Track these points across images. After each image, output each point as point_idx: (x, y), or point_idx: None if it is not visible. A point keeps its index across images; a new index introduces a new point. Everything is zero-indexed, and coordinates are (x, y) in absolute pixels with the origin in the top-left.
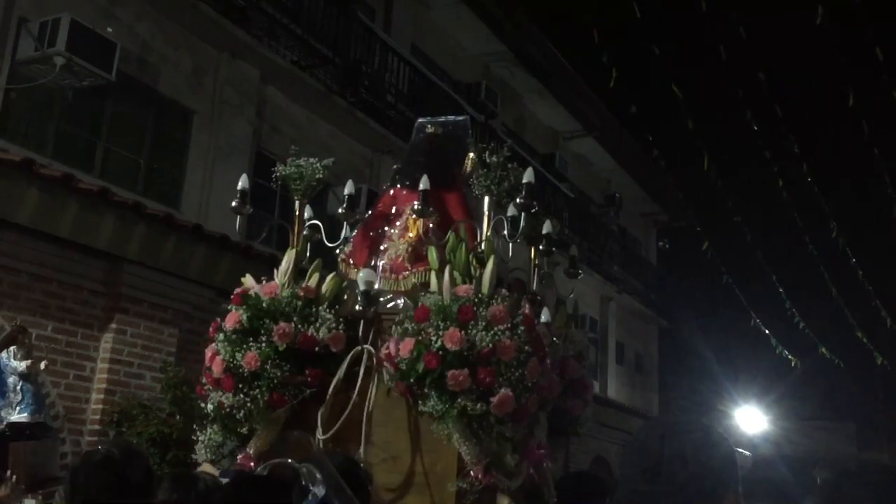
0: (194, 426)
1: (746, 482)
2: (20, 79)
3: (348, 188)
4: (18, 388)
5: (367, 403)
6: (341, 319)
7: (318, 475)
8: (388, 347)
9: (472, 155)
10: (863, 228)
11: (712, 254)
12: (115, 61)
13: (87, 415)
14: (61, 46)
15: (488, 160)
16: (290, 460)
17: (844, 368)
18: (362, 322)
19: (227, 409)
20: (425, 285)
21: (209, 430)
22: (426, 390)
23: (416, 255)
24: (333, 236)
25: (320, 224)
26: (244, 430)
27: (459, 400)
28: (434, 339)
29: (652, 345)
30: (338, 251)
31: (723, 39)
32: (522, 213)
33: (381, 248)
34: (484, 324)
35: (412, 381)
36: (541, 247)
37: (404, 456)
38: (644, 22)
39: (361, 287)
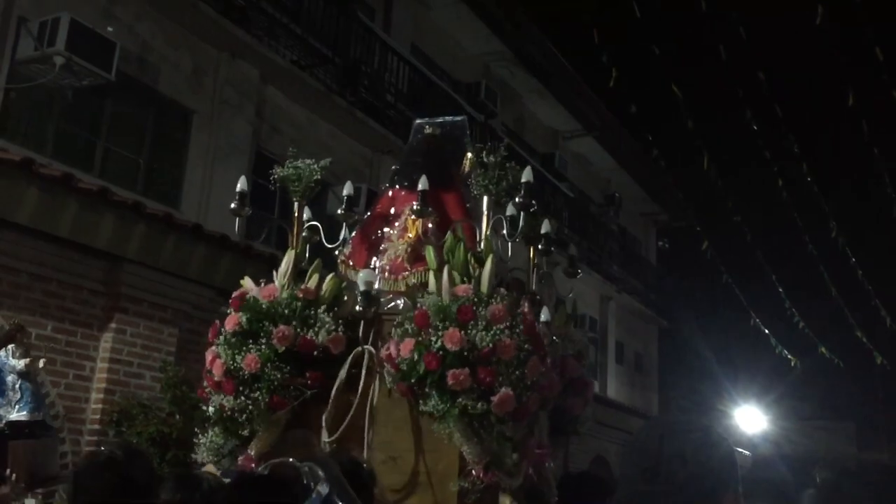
0: (195, 427)
1: (746, 482)
2: (20, 78)
3: (347, 189)
4: (17, 386)
5: (368, 404)
6: (341, 321)
7: (321, 473)
8: (388, 348)
9: (470, 155)
10: (863, 228)
11: (712, 253)
12: (114, 61)
13: (87, 414)
14: (61, 46)
15: (486, 160)
16: (291, 459)
17: (844, 368)
18: (362, 323)
19: (229, 412)
20: (424, 285)
21: (210, 433)
22: (427, 390)
23: (416, 255)
24: (333, 236)
25: (319, 225)
26: (245, 433)
27: (460, 399)
28: (434, 339)
29: (651, 344)
30: (337, 252)
31: (723, 39)
32: (521, 213)
33: (381, 248)
34: (484, 323)
35: (413, 381)
36: (539, 246)
37: (406, 456)
38: (644, 22)
39: (362, 288)
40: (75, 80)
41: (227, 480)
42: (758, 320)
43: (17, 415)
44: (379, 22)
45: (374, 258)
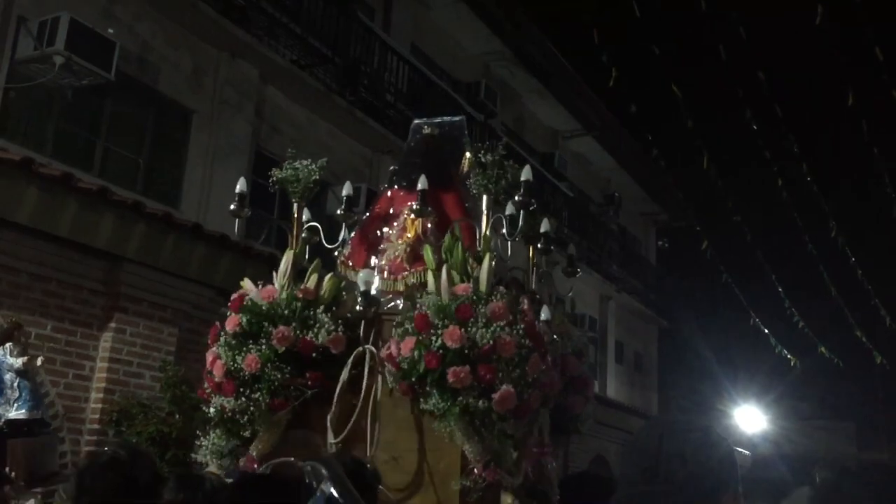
0: (195, 427)
1: (745, 482)
2: (19, 78)
3: (346, 189)
4: (15, 384)
5: (369, 404)
6: (340, 321)
7: (324, 472)
8: (388, 348)
9: (468, 154)
10: (862, 228)
11: (712, 253)
12: (114, 60)
13: (87, 414)
14: (60, 45)
15: (484, 159)
16: (292, 459)
17: (844, 368)
18: (363, 323)
19: (230, 414)
20: (424, 285)
21: (212, 435)
22: (427, 389)
23: (415, 255)
24: (332, 236)
25: (319, 226)
26: (247, 433)
27: (461, 398)
28: (434, 338)
29: (651, 344)
30: (336, 253)
31: (722, 39)
32: (521, 212)
33: (380, 248)
34: (483, 321)
35: (413, 379)
36: (539, 245)
37: (408, 455)
38: (644, 22)
39: (362, 288)
40: (75, 79)
41: (229, 481)
42: (757, 320)
43: (16, 413)
44: (379, 22)
45: (373, 258)
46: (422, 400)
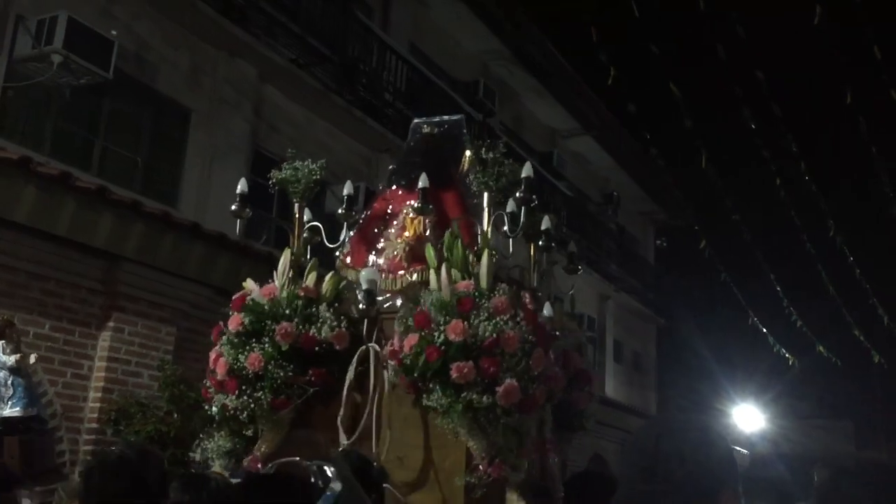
0: (199, 432)
1: (743, 481)
2: (17, 77)
3: (347, 189)
4: (9, 382)
5: (374, 402)
6: (343, 318)
7: (330, 471)
8: (392, 344)
9: (468, 153)
10: (861, 227)
11: (710, 252)
12: (112, 59)
13: (85, 413)
14: (59, 44)
15: (485, 156)
16: (298, 459)
17: (842, 367)
18: (366, 321)
19: (231, 412)
20: (424, 284)
21: (216, 436)
22: (430, 385)
23: (414, 254)
24: (331, 236)
25: (320, 226)
26: (249, 433)
27: (465, 394)
28: (437, 334)
29: (650, 343)
30: (337, 253)
31: (721, 39)
32: (522, 209)
33: (379, 247)
34: (486, 314)
35: (416, 375)
36: (540, 243)
37: (413, 453)
38: (643, 21)
39: (364, 286)
40: (73, 78)
41: (234, 481)
42: (756, 319)
43: (10, 411)
44: (377, 21)
45: (372, 257)
46: (424, 396)
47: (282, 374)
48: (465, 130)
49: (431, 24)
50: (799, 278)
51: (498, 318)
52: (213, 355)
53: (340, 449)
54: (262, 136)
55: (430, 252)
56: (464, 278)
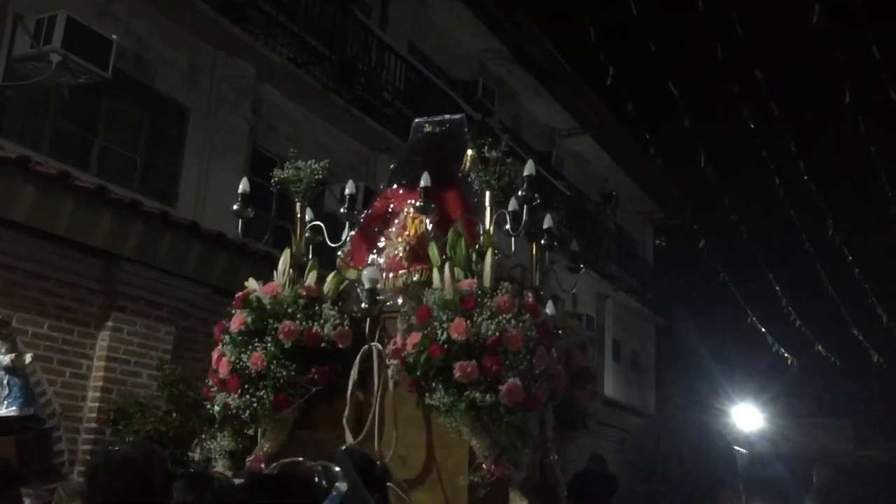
0: (198, 431)
1: (742, 479)
2: (16, 76)
3: (349, 188)
4: (5, 382)
5: (377, 401)
6: (346, 316)
7: (335, 470)
8: (395, 343)
9: (470, 152)
10: (860, 227)
11: (709, 252)
12: (111, 59)
13: (84, 412)
14: (57, 43)
15: (487, 155)
16: (301, 458)
17: (841, 366)
18: (368, 320)
19: (233, 411)
20: (424, 283)
21: (219, 436)
22: (433, 384)
23: (414, 253)
24: (331, 235)
25: (322, 225)
26: (251, 432)
27: (468, 392)
28: (440, 332)
29: (648, 343)
30: (339, 253)
31: (720, 38)
32: (524, 206)
33: (379, 246)
34: (489, 313)
35: (419, 374)
36: (542, 241)
37: (416, 452)
38: (642, 21)
39: (367, 285)
40: (71, 77)
41: (237, 481)
42: (755, 318)
43: (7, 410)
44: (376, 20)
45: (373, 256)
46: (427, 395)
47: (284, 373)
48: (466, 130)
49: (430, 24)
50: (798, 278)
51: (501, 317)
52: (215, 355)
53: (343, 448)
54: (261, 135)
55: (433, 250)
56: (467, 277)
